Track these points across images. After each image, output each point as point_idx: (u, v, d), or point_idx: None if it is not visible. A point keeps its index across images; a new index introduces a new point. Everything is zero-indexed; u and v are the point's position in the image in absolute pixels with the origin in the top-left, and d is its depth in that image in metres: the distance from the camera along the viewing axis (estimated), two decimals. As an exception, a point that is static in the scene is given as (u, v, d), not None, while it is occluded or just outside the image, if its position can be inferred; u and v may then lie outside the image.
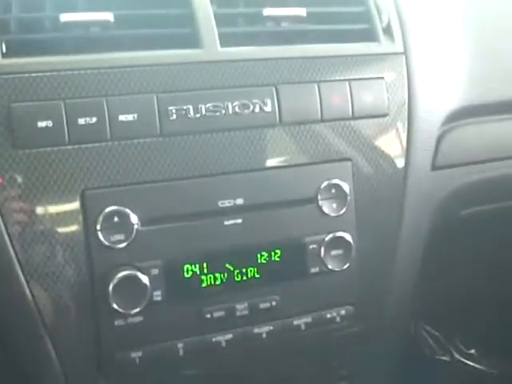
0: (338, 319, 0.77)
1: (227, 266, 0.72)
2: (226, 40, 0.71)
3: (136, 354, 0.68)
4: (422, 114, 0.79)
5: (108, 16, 0.68)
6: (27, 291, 0.65)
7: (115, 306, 0.65)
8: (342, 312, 0.78)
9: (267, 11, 0.74)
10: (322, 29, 0.77)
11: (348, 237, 0.76)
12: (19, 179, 0.64)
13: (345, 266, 0.76)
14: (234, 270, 0.73)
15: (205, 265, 0.71)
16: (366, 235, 0.77)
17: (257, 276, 0.74)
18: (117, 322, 0.67)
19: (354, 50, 0.77)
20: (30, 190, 0.64)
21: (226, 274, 0.72)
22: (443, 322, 1.08)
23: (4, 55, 0.64)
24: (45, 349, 0.67)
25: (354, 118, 0.75)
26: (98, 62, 0.67)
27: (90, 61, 0.67)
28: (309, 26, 0.77)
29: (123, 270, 0.66)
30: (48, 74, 0.65)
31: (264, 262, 0.74)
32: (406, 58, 0.79)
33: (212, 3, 0.72)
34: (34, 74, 0.65)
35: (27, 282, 0.65)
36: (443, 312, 1.06)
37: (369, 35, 0.78)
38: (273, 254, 0.74)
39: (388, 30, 0.79)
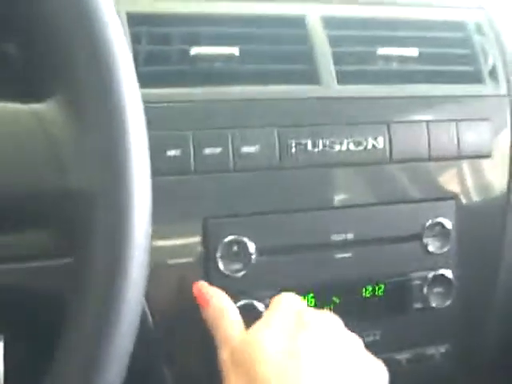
0: (437, 356, 0.78)
1: (334, 298, 0.73)
2: (342, 77, 0.73)
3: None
4: (525, 155, 0.79)
5: (234, 50, 0.69)
6: (148, 315, 0.66)
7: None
8: (442, 350, 0.78)
9: (381, 50, 0.75)
10: (429, 69, 0.77)
11: (450, 274, 0.76)
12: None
13: (446, 304, 0.76)
14: (340, 302, 0.73)
15: (313, 297, 0.72)
16: (467, 273, 0.78)
17: (361, 309, 0.74)
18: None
19: (462, 91, 0.78)
20: (153, 218, 0.65)
21: (332, 307, 0.73)
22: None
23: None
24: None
25: (459, 157, 0.77)
26: (224, 94, 0.69)
27: (216, 93, 0.69)
28: (418, 67, 0.78)
29: (241, 299, 0.67)
30: (178, 104, 0.67)
31: (368, 296, 0.75)
32: (511, 101, 0.79)
33: (329, 42, 0.73)
34: (164, 105, 0.66)
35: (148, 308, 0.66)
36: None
37: (474, 77, 0.80)
38: (377, 288, 0.75)
39: (493, 73, 0.80)
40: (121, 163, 0.42)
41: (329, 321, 0.60)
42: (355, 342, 0.60)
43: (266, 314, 0.60)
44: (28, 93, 0.47)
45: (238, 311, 0.63)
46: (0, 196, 0.41)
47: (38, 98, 0.44)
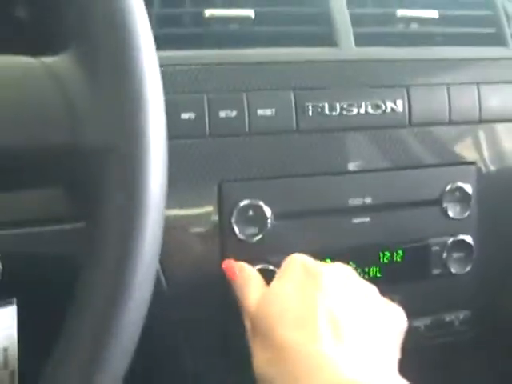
0: (456, 323, 0.77)
1: (351, 263, 0.72)
2: (360, 40, 0.71)
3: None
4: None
5: (249, 12, 0.68)
6: (162, 279, 0.66)
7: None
8: (461, 316, 0.77)
9: (400, 12, 0.73)
10: (450, 32, 0.76)
11: (470, 240, 0.75)
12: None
13: (466, 270, 0.75)
14: (357, 268, 0.72)
15: (330, 262, 0.71)
16: (487, 239, 0.76)
17: (378, 275, 0.74)
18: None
19: (484, 54, 0.76)
20: (168, 182, 0.65)
21: (349, 273, 0.72)
22: None
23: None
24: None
25: (481, 121, 0.75)
26: (239, 57, 0.68)
27: (231, 56, 0.68)
28: (438, 29, 0.76)
29: (257, 264, 0.67)
30: (192, 67, 0.66)
31: (386, 261, 0.74)
32: (535, 64, 0.78)
33: (347, 3, 0.72)
34: (178, 67, 0.65)
35: (162, 271, 0.66)
36: None
37: (496, 39, 0.78)
38: (395, 254, 0.74)
39: (516, 35, 0.78)
40: (136, 118, 0.41)
41: (340, 273, 0.60)
42: (369, 289, 0.60)
43: (277, 277, 0.60)
44: (40, 47, 0.46)
45: (262, 282, 0.62)
46: (11, 151, 0.40)
47: (51, 52, 0.43)
